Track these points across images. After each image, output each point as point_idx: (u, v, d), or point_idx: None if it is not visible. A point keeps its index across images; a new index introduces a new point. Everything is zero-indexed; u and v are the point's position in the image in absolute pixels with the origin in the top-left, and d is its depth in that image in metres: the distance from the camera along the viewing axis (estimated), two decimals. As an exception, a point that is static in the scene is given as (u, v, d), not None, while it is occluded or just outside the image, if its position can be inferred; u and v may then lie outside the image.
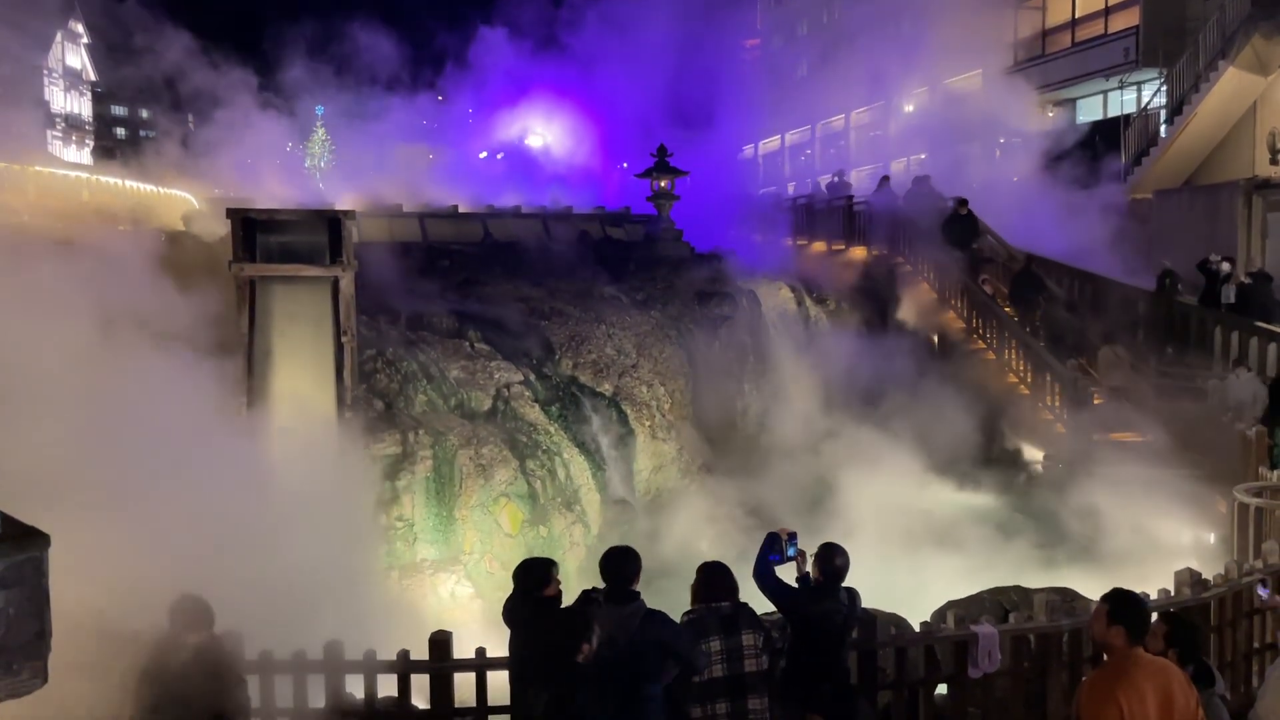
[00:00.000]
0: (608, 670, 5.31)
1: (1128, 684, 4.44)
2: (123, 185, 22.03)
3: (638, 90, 29.60)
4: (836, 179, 24.54)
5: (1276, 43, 20.57)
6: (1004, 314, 17.31)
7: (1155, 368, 15.65)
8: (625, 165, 28.05)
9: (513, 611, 5.89)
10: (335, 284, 12.92)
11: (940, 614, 7.80)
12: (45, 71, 43.70)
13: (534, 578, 5.87)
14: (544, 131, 30.47)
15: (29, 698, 2.81)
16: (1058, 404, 15.35)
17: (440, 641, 6.80)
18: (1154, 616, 5.45)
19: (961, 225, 19.03)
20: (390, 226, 19.62)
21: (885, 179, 22.55)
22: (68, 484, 7.21)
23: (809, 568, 6.30)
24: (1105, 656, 4.63)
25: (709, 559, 6.27)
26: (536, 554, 11.44)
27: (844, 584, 6.27)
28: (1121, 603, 4.64)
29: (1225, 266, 16.13)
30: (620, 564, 5.63)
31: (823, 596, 6.17)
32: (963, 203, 19.44)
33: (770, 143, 43.85)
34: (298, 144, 28.31)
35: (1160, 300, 17.24)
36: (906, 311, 19.22)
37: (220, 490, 9.23)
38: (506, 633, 5.99)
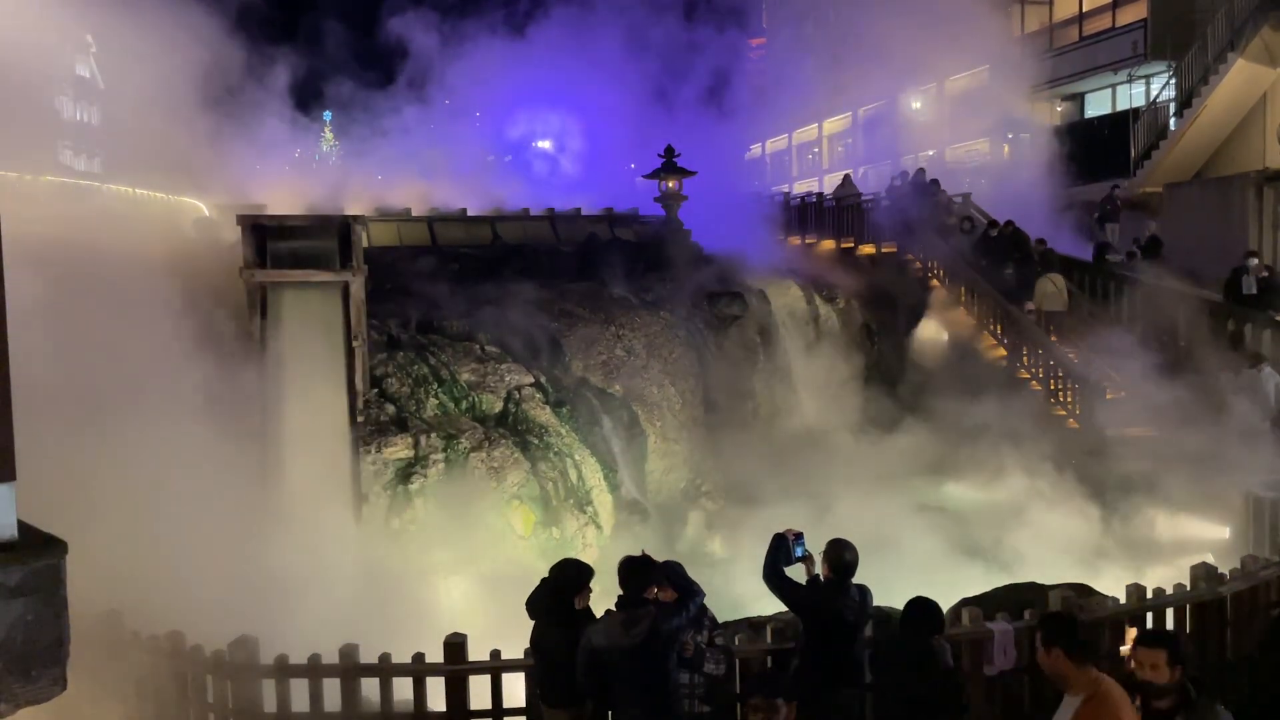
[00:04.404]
0: (629, 670, 5.40)
1: (1129, 713, 4.27)
2: (133, 193, 22.10)
3: (644, 91, 29.59)
4: (898, 180, 22.52)
5: (1286, 34, 20.43)
6: (1015, 310, 17.23)
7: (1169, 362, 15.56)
8: (633, 166, 28.02)
9: (534, 604, 6.01)
10: (345, 289, 12.97)
11: (955, 612, 7.76)
12: (54, 81, 43.87)
13: (566, 579, 5.95)
14: (552, 133, 30.46)
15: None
16: (1071, 400, 15.29)
17: (455, 644, 6.81)
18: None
19: (991, 246, 18.90)
20: (399, 230, 19.68)
21: (921, 170, 22.42)
22: (77, 488, 7.25)
23: (818, 569, 6.28)
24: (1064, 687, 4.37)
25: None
26: (549, 556, 11.48)
27: (855, 581, 6.27)
28: (1053, 627, 4.44)
29: (1254, 262, 16.05)
30: (637, 574, 5.66)
31: (834, 593, 6.16)
32: (993, 224, 19.33)
33: (777, 141, 43.80)
34: (306, 150, 28.33)
35: (1097, 270, 18.10)
36: (916, 309, 19.17)
37: (234, 494, 9.27)
38: (520, 636, 6.05)
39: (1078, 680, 4.34)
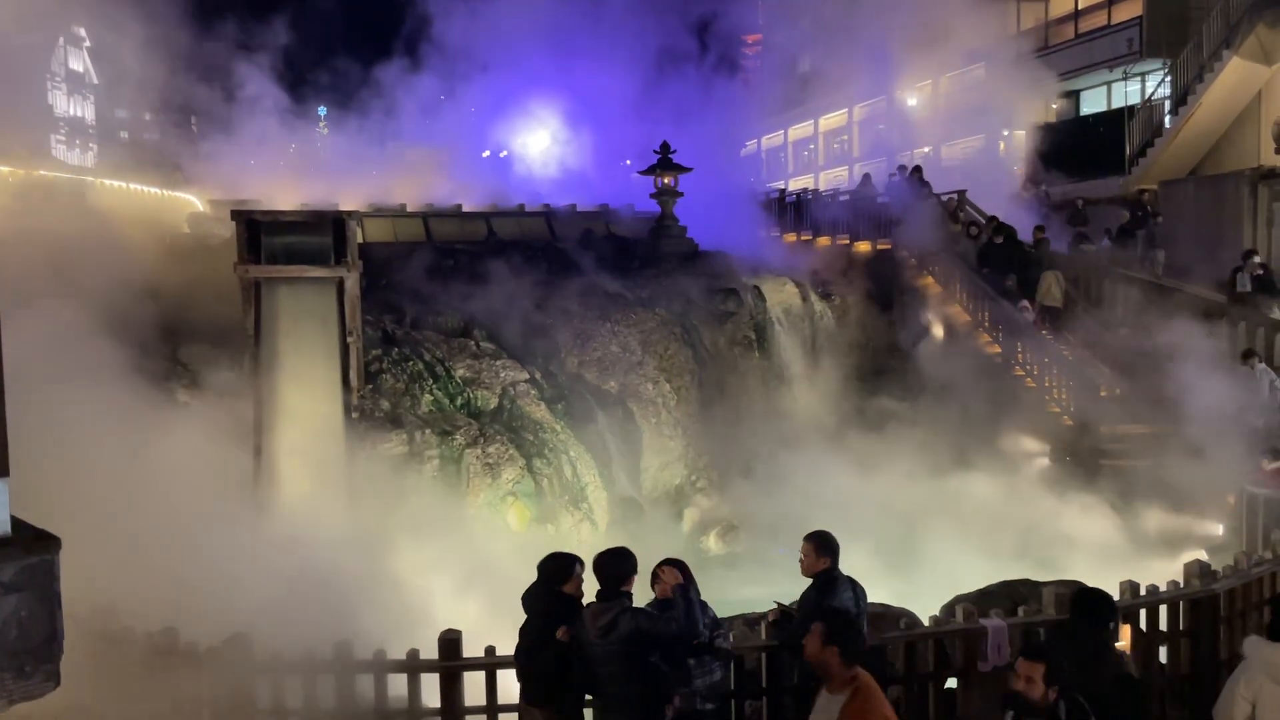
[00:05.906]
0: (606, 663, 5.40)
1: (886, 703, 4.58)
2: (127, 188, 22.07)
3: (640, 87, 29.57)
4: (896, 176, 22.27)
5: (1280, 31, 20.48)
6: (1009, 307, 17.26)
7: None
8: (629, 162, 27.99)
9: (528, 599, 6.01)
10: (340, 284, 12.95)
11: (949, 608, 7.78)
12: (48, 75, 43.75)
13: (552, 570, 5.96)
14: (547, 129, 30.43)
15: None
16: (1064, 397, 15.32)
17: (450, 640, 6.80)
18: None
19: (989, 245, 18.89)
20: (394, 226, 19.67)
21: (918, 169, 22.43)
22: (70, 484, 7.23)
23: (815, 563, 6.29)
24: (824, 676, 4.68)
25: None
26: (544, 553, 11.51)
27: (848, 577, 6.28)
28: (838, 624, 4.74)
29: (1256, 259, 16.12)
30: (609, 565, 5.66)
31: (830, 586, 6.15)
32: (997, 231, 19.26)
33: (773, 138, 43.78)
34: (301, 146, 28.25)
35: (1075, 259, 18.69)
36: (911, 305, 19.19)
37: (228, 491, 9.26)
38: (515, 633, 6.05)
39: (841, 678, 4.62)
